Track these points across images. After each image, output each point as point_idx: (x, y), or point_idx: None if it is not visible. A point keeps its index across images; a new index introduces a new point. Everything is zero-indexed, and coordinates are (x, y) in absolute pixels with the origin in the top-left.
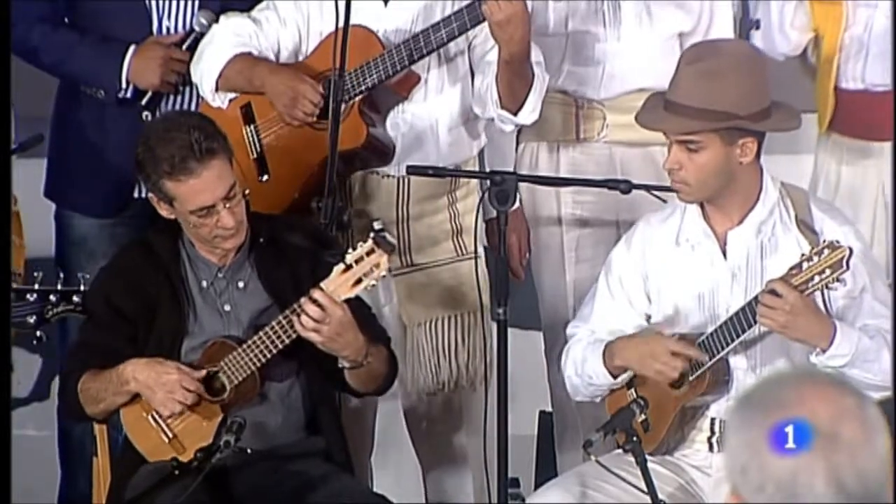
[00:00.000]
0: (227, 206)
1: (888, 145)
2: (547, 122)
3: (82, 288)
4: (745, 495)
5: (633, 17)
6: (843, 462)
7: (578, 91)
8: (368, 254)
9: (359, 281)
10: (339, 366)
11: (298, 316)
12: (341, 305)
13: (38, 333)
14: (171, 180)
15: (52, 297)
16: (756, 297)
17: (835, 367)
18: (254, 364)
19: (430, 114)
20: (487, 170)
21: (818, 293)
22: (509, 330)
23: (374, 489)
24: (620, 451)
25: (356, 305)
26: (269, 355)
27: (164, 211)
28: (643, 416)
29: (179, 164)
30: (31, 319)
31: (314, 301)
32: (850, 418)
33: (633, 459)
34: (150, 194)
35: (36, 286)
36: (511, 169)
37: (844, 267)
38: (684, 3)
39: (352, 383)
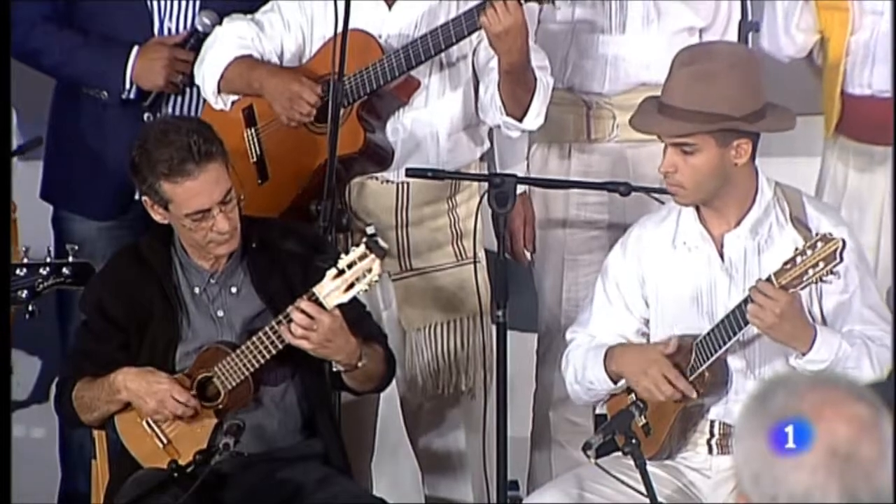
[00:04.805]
0: (223, 210)
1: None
2: (558, 125)
3: (71, 259)
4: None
5: (640, 11)
6: (859, 480)
7: (584, 86)
8: (360, 258)
9: (351, 286)
10: (334, 369)
11: (288, 324)
12: (329, 313)
13: (30, 308)
14: (169, 182)
15: (42, 271)
16: (749, 297)
17: (813, 371)
18: (247, 369)
19: (430, 119)
20: (497, 171)
21: (810, 289)
22: (508, 332)
23: (373, 492)
24: (619, 453)
25: (350, 305)
26: (262, 360)
27: (157, 215)
28: (643, 420)
29: (177, 166)
30: (23, 294)
31: (301, 310)
32: (868, 437)
33: (631, 462)
34: (144, 198)
35: (25, 260)
36: (523, 170)
37: (838, 259)
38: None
39: (349, 384)
